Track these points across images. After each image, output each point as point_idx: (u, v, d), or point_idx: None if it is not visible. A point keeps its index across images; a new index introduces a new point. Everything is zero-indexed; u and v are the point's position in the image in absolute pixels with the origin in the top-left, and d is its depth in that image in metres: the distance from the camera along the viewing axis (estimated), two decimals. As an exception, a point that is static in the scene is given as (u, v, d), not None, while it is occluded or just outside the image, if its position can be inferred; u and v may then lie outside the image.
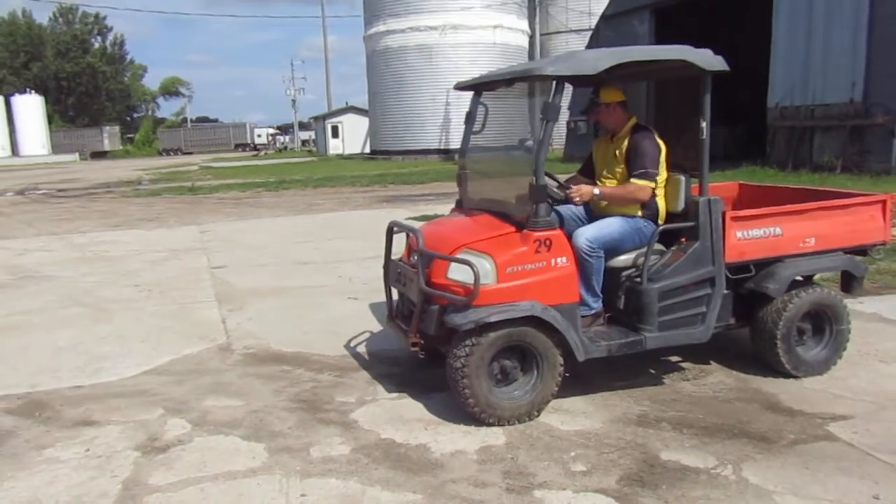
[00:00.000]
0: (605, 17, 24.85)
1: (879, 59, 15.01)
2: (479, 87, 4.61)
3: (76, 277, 8.31)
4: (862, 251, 4.65)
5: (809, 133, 16.83)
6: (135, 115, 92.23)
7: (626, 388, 4.30)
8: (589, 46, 25.88)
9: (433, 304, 3.91)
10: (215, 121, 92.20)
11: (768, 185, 5.76)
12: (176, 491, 3.26)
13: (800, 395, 4.11)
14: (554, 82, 3.83)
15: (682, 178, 4.30)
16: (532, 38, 32.82)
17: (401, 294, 4.47)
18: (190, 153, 66.17)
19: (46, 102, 66.36)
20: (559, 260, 3.82)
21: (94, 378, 4.81)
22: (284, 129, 77.56)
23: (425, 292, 3.88)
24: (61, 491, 3.31)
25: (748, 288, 4.32)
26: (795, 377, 4.32)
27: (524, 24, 34.06)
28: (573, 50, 3.73)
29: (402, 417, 3.99)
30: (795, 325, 4.30)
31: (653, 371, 4.56)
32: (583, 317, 4.02)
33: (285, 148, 67.17)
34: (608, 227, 4.14)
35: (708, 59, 4.00)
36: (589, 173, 4.64)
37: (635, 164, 4.17)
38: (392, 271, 4.52)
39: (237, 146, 69.64)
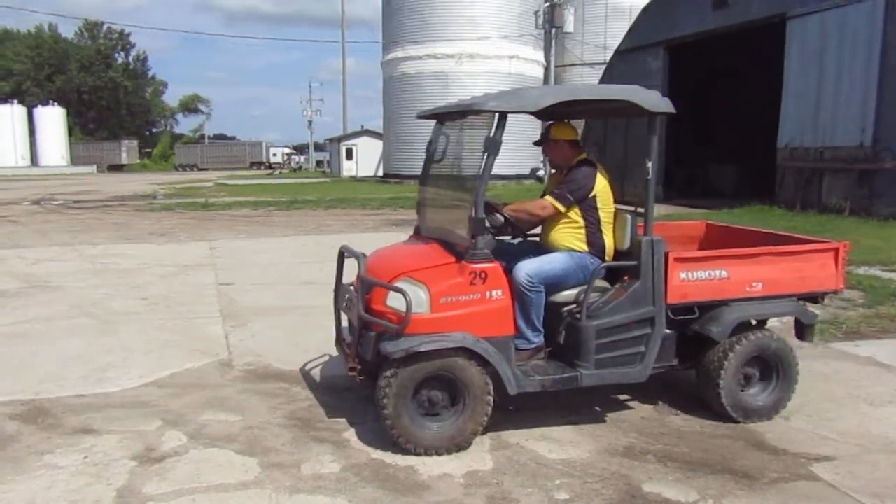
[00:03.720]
0: (619, 52, 25.15)
1: (889, 104, 15.10)
2: (439, 116, 4.67)
3: (86, 288, 8.47)
4: (814, 298, 4.62)
5: (818, 174, 16.90)
6: (153, 130, 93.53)
7: (615, 419, 4.37)
8: (602, 80, 26.15)
9: (371, 330, 3.95)
10: (232, 138, 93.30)
11: (736, 227, 5.68)
12: (168, 501, 3.36)
13: (786, 435, 4.16)
14: (496, 117, 3.91)
15: (629, 216, 4.34)
16: (547, 69, 33.16)
17: (349, 318, 4.45)
18: (206, 169, 66.91)
19: (68, 115, 67.55)
20: (495, 293, 3.88)
21: (97, 388, 4.93)
22: (300, 150, 78.33)
23: (363, 318, 3.96)
24: (58, 496, 3.41)
25: (693, 330, 4.29)
26: (736, 422, 4.29)
27: (540, 56, 34.47)
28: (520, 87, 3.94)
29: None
30: (740, 369, 4.28)
31: (642, 404, 4.62)
32: (522, 350, 4.08)
33: (300, 168, 67.80)
34: (551, 262, 4.18)
35: (653, 101, 4.07)
36: None
37: (559, 187, 4.29)
38: (342, 295, 4.56)
39: (252, 164, 70.38)
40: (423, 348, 3.74)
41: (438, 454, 3.84)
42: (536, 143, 4.60)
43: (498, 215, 4.23)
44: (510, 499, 3.39)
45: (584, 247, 4.27)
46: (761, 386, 4.40)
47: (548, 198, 4.25)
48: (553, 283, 4.13)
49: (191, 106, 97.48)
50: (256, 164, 70.18)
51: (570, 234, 4.27)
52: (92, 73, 78.35)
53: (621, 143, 4.90)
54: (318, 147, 69.16)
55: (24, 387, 4.95)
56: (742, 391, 4.33)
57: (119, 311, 7.26)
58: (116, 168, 67.11)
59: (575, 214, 4.26)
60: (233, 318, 6.94)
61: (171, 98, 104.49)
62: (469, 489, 3.48)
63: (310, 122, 68.67)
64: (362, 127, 52.43)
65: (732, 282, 4.26)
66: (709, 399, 4.36)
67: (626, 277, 4.20)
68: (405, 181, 33.29)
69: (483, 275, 3.85)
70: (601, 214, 4.27)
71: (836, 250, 4.46)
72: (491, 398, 3.90)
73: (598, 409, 4.51)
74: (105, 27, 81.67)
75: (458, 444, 3.89)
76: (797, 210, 16.69)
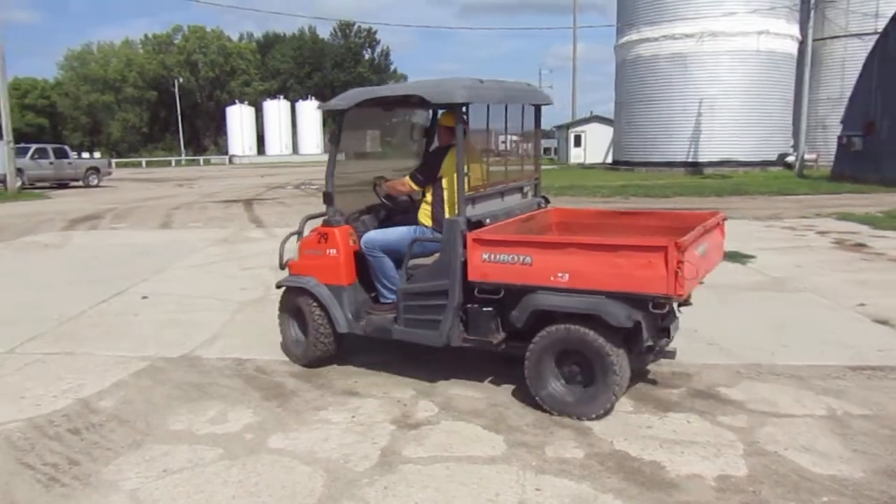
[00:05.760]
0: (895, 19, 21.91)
1: None
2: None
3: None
4: (656, 301, 3.94)
5: None
6: (394, 121, 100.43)
7: (894, 437, 3.86)
8: (872, 52, 23.01)
9: None
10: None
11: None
12: (426, 465, 3.63)
13: None
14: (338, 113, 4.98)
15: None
16: (803, 44, 29.88)
17: None
18: (438, 157, 70.37)
19: (322, 108, 74.93)
20: (331, 251, 4.96)
21: (359, 356, 5.43)
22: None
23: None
24: (333, 448, 3.86)
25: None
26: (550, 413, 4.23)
27: (794, 30, 31.15)
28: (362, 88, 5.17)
29: (636, 432, 4.00)
30: (547, 359, 4.22)
31: (930, 425, 4.03)
32: (384, 303, 5.00)
33: (527, 155, 68.60)
34: (388, 233, 5.00)
35: (437, 93, 4.52)
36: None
37: (416, 168, 5.02)
38: None
39: (482, 151, 72.57)
40: (284, 284, 5.23)
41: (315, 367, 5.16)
42: (427, 129, 5.52)
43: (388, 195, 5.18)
44: (769, 510, 3.17)
45: (430, 222, 4.85)
46: (580, 381, 4.22)
47: (406, 177, 4.93)
48: (391, 251, 4.93)
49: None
50: (485, 152, 72.22)
51: (423, 211, 4.94)
52: (343, 70, 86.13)
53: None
54: (546, 134, 69.43)
55: (300, 349, 5.64)
56: (562, 384, 4.25)
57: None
58: (361, 156, 73.17)
59: (428, 193, 4.89)
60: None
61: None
62: (722, 493, 3.31)
63: (538, 110, 69.03)
64: (591, 113, 51.65)
65: (536, 269, 4.17)
66: None
67: None
68: (636, 168, 32.23)
69: (325, 236, 4.98)
70: (446, 194, 4.75)
71: (665, 249, 3.77)
72: (325, 331, 4.98)
73: (872, 423, 4.02)
74: (356, 26, 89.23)
75: (308, 361, 5.16)
76: None
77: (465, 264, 4.36)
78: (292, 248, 5.39)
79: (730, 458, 3.66)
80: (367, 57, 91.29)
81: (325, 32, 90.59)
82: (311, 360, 5.13)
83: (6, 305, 7.50)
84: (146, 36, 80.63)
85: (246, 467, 3.65)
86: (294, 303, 5.16)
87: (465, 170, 4.48)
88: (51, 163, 28.17)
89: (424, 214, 4.90)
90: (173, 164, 61.24)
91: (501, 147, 5.52)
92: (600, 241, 4.18)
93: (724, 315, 6.49)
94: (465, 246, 4.34)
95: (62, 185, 28.73)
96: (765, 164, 30.15)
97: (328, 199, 5.01)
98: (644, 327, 4.04)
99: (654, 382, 4.75)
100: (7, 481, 3.58)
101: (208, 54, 79.07)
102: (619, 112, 35.97)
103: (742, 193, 19.94)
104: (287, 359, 5.38)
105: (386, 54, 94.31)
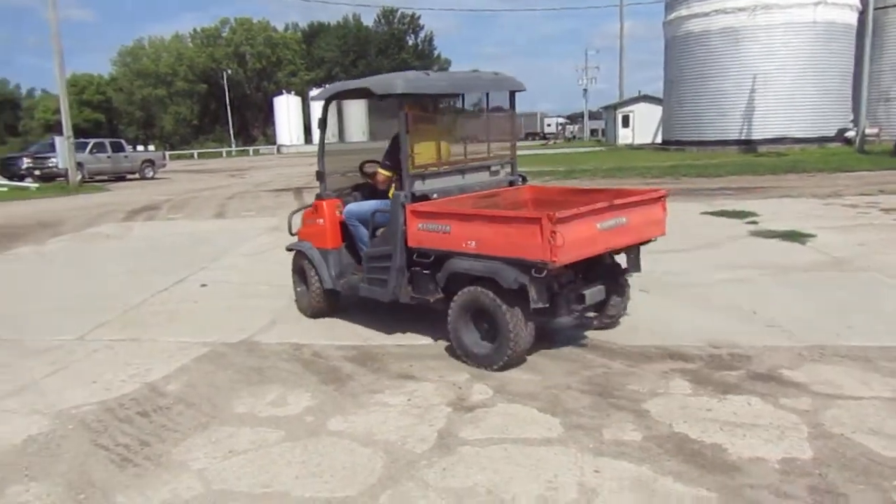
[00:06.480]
0: (965, -16, 20.80)
1: None
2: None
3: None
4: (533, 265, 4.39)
5: None
6: (440, 106, 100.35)
7: (969, 421, 3.72)
8: (939, 20, 21.92)
9: None
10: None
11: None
12: (483, 447, 3.66)
13: None
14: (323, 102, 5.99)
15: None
16: (863, 13, 28.64)
17: None
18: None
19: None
20: (319, 220, 5.93)
21: (414, 340, 5.52)
22: (573, 119, 78.17)
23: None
24: (391, 430, 3.92)
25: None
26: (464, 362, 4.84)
27: (853, -1, 29.92)
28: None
29: (695, 415, 3.95)
30: (463, 316, 4.82)
31: None
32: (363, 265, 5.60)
33: (574, 137, 67.79)
34: (362, 205, 5.77)
35: (381, 86, 5.26)
36: None
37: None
38: None
39: (527, 135, 71.90)
40: (290, 248, 6.30)
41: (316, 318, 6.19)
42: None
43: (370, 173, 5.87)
44: (837, 493, 3.09)
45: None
46: (490, 339, 4.73)
47: (379, 168, 5.63)
48: (364, 221, 5.66)
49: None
50: (531, 135, 71.60)
51: (392, 188, 5.45)
52: (387, 56, 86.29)
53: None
54: (593, 115, 68.34)
55: (358, 333, 5.77)
56: (476, 339, 4.81)
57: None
58: (369, 139, 73.32)
59: (394, 174, 5.42)
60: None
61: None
62: (787, 476, 3.25)
63: (585, 91, 67.96)
64: (639, 92, 50.51)
65: (453, 237, 4.76)
66: None
67: None
68: (686, 148, 31.51)
69: (317, 208, 5.94)
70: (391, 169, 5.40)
71: (539, 220, 4.24)
72: (317, 288, 5.94)
73: (944, 407, 3.88)
74: (399, 13, 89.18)
75: (311, 313, 6.18)
76: None
77: (406, 232, 5.05)
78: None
79: (794, 440, 3.59)
80: (410, 43, 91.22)
81: (368, 20, 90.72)
82: (312, 312, 6.15)
83: (75, 295, 7.81)
84: (195, 30, 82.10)
85: (308, 448, 3.75)
86: (299, 264, 6.17)
87: (410, 151, 5.14)
88: (108, 156, 29.08)
89: (392, 191, 5.49)
90: (224, 154, 62.45)
91: (458, 130, 6.17)
92: (497, 213, 4.87)
93: (783, 296, 6.33)
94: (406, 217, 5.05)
95: (119, 177, 29.63)
96: (823, 140, 29.13)
97: (320, 176, 5.96)
98: (533, 290, 4.44)
99: (717, 368, 4.67)
100: (83, 462, 3.75)
101: (255, 46, 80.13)
102: (668, 90, 35.19)
103: (799, 171, 19.32)
104: (342, 343, 5.48)
105: (429, 40, 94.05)
